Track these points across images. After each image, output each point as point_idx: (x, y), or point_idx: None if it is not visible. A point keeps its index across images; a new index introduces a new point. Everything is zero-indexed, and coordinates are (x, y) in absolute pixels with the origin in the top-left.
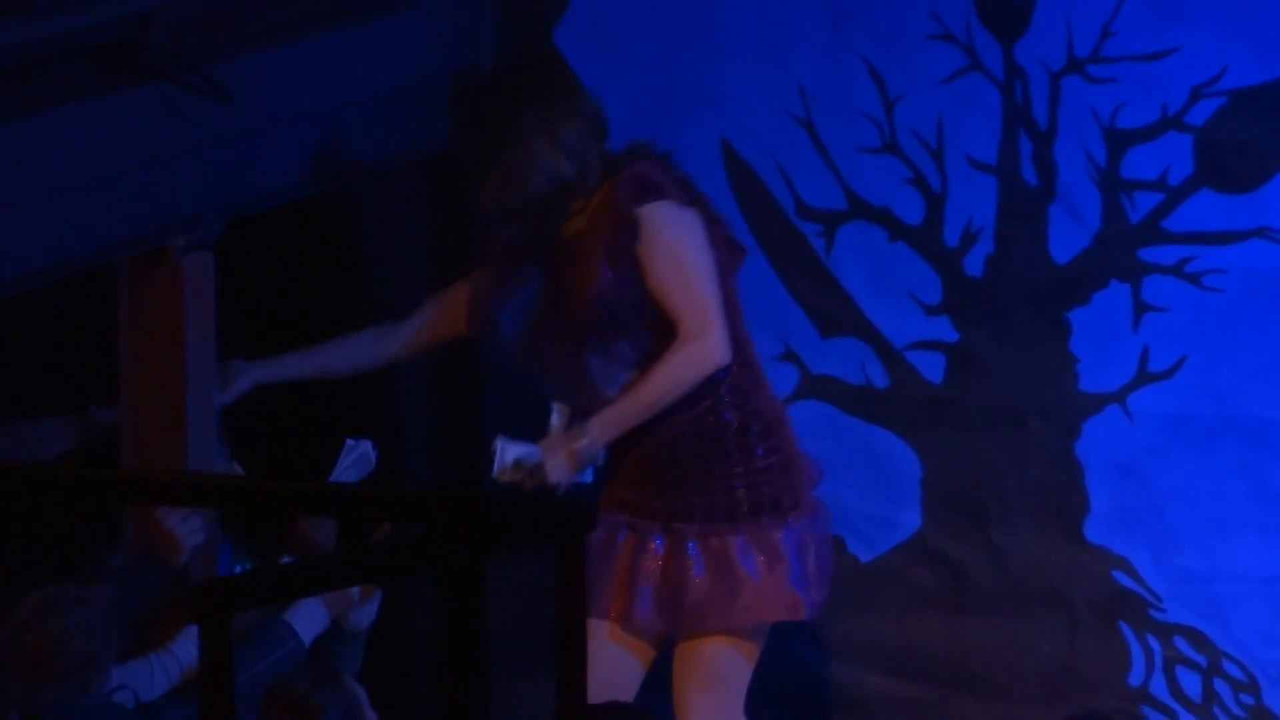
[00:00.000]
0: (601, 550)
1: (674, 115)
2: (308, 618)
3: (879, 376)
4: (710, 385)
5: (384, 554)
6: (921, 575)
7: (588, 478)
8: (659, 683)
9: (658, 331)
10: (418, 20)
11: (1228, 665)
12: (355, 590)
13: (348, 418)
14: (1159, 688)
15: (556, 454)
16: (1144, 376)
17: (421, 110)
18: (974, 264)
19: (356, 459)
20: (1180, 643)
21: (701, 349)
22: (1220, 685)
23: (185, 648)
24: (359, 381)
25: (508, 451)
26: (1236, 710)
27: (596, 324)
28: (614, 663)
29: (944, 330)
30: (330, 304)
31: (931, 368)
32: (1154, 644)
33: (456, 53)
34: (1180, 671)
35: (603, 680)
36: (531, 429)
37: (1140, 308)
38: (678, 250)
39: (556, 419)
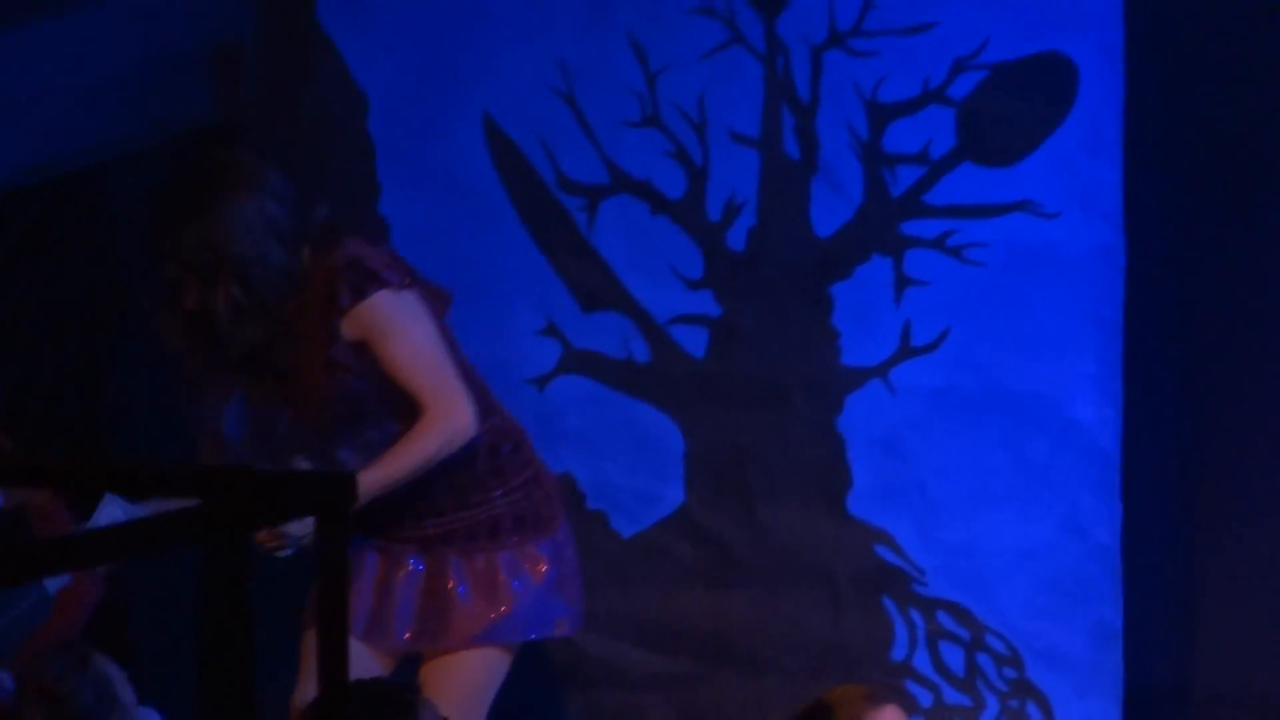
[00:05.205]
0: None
1: (436, 90)
2: None
3: (641, 351)
4: None
5: (147, 530)
6: (685, 550)
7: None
8: None
9: (405, 414)
10: None
11: (990, 639)
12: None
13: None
14: (922, 662)
15: None
16: (906, 350)
17: (182, 86)
18: (736, 238)
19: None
20: (943, 617)
21: (452, 426)
22: (983, 659)
23: None
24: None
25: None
26: (999, 684)
27: (342, 420)
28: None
29: (706, 304)
30: (88, 290)
31: (694, 342)
32: (917, 618)
33: (218, 29)
34: (944, 646)
35: None
36: None
37: (902, 281)
38: (410, 337)
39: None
